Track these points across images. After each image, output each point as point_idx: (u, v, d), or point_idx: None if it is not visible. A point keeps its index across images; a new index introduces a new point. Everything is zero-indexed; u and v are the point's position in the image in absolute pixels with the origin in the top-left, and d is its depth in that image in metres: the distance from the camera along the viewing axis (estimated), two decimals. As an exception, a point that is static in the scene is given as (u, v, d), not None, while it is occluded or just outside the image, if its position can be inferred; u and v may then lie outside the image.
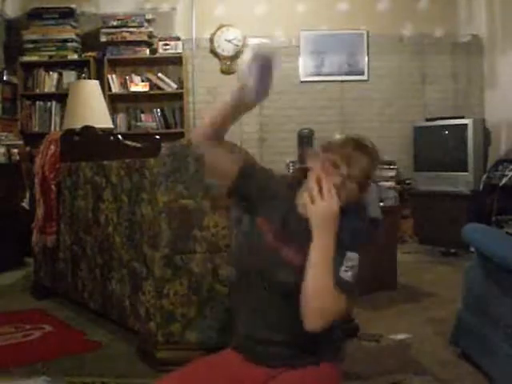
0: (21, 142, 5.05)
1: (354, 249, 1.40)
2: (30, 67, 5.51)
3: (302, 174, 1.50)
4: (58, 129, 5.26)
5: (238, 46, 5.76)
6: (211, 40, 5.76)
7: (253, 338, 1.49)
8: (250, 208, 1.53)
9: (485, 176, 5.01)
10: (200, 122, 5.72)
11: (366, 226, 1.54)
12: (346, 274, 1.37)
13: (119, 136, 3.22)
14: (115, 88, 5.55)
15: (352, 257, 1.39)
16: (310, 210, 1.37)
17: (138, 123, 5.67)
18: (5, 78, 5.27)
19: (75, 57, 5.49)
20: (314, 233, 1.36)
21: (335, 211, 1.36)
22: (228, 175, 1.52)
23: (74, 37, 5.47)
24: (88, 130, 3.41)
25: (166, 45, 5.56)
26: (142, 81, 5.61)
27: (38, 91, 5.52)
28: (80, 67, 5.53)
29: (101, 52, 5.53)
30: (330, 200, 1.36)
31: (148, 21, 5.59)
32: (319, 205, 1.36)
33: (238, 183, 1.52)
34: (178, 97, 5.63)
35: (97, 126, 3.65)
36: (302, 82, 5.84)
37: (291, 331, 1.44)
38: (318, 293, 1.34)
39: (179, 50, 5.58)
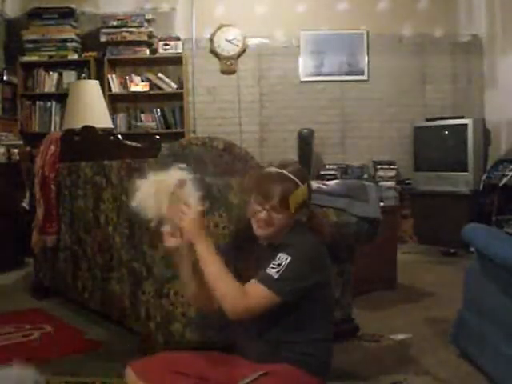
0: (21, 142, 5.05)
1: (284, 251, 1.57)
2: (30, 67, 5.51)
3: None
4: (57, 129, 5.26)
5: (237, 45, 5.76)
6: (211, 40, 5.76)
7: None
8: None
9: (485, 176, 5.02)
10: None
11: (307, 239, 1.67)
12: (271, 271, 1.54)
13: (119, 136, 3.22)
14: (115, 88, 5.55)
15: (281, 257, 1.56)
16: (183, 229, 1.53)
17: (138, 123, 5.67)
18: (5, 78, 5.27)
19: (75, 57, 5.49)
20: (196, 247, 1.54)
21: (192, 218, 1.52)
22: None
23: (73, 37, 5.47)
24: (88, 130, 3.41)
25: (166, 45, 5.56)
26: (142, 81, 5.61)
27: (38, 91, 5.52)
28: (80, 67, 5.53)
29: (101, 52, 5.53)
30: (187, 212, 1.52)
31: (148, 21, 5.59)
32: (183, 220, 1.52)
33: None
34: (178, 97, 5.63)
35: (97, 126, 3.65)
36: (302, 81, 5.85)
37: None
38: (219, 294, 1.53)
39: (179, 50, 5.58)
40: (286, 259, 1.55)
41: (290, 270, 1.54)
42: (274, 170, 1.67)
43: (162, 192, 1.53)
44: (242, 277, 1.67)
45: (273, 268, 1.54)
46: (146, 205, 1.54)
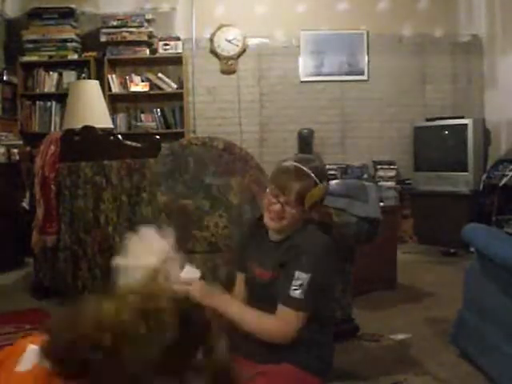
0: (21, 142, 5.05)
1: (302, 268, 1.58)
2: (30, 67, 5.51)
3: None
4: (57, 129, 5.26)
5: (237, 45, 5.76)
6: (211, 40, 5.76)
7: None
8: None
9: (485, 176, 5.02)
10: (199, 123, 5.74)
11: (321, 243, 1.67)
12: (295, 293, 1.57)
13: (119, 136, 3.22)
14: (115, 88, 5.55)
15: (300, 276, 1.57)
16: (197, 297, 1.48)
17: (138, 123, 5.67)
18: (5, 78, 5.27)
19: (75, 57, 5.49)
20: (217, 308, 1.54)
21: (198, 289, 1.49)
22: None
23: (73, 37, 5.47)
24: (88, 129, 3.41)
25: (166, 45, 5.56)
26: (142, 81, 5.61)
27: (38, 91, 5.52)
28: (80, 67, 5.53)
29: (101, 52, 5.53)
30: (191, 288, 1.47)
31: (148, 21, 5.59)
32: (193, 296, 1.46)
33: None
34: (178, 97, 5.63)
35: (97, 126, 3.65)
36: (302, 81, 5.84)
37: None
38: (262, 335, 1.59)
39: (179, 50, 5.58)
40: (306, 278, 1.57)
41: (312, 288, 1.58)
42: (295, 164, 1.67)
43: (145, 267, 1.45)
44: (246, 269, 1.74)
45: (296, 290, 1.57)
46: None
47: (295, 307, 1.56)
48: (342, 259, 2.56)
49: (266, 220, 1.68)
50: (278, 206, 1.64)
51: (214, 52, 5.79)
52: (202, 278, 1.56)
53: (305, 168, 1.65)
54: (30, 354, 1.15)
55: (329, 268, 1.66)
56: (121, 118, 5.67)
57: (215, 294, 1.57)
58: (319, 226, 1.74)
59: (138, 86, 5.58)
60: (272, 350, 1.61)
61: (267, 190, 1.69)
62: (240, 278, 1.82)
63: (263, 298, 1.67)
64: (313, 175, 1.65)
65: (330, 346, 1.74)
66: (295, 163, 1.67)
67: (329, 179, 1.76)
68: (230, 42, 5.76)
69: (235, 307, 1.60)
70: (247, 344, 1.66)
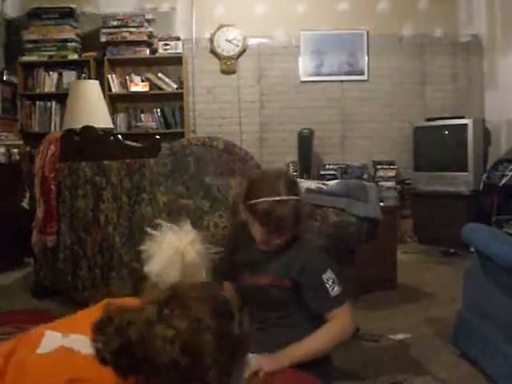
0: (21, 142, 5.05)
1: (322, 270, 1.61)
2: (30, 67, 5.51)
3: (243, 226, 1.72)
4: (58, 129, 5.26)
5: (238, 46, 5.76)
6: (211, 40, 5.76)
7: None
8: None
9: (485, 176, 5.01)
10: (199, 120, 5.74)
11: (320, 246, 1.74)
12: (334, 291, 1.62)
13: (119, 136, 3.22)
14: (115, 88, 5.55)
15: (327, 277, 1.62)
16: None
17: (138, 123, 5.67)
18: (5, 78, 5.27)
19: (75, 57, 5.49)
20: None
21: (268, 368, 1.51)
22: None
23: (73, 37, 5.47)
24: (88, 129, 3.41)
25: (166, 45, 5.56)
26: (142, 81, 5.61)
27: (38, 91, 5.52)
28: (80, 67, 5.53)
29: (101, 52, 5.53)
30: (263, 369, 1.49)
31: (148, 21, 5.59)
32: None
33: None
34: (178, 97, 5.63)
35: (97, 126, 3.65)
36: (302, 81, 5.84)
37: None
38: (331, 346, 1.65)
39: (179, 50, 5.58)
40: (331, 274, 1.62)
41: (339, 277, 1.64)
42: (276, 199, 1.59)
43: (176, 264, 1.48)
44: (235, 278, 1.74)
45: (333, 289, 1.62)
46: (164, 278, 1.46)
47: (343, 302, 1.63)
48: (341, 259, 2.56)
49: (260, 244, 1.67)
50: (279, 241, 1.64)
51: (214, 52, 5.79)
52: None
53: (284, 197, 1.60)
54: (49, 339, 1.14)
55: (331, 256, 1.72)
56: (121, 118, 5.67)
57: (280, 360, 1.55)
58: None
59: (138, 85, 5.58)
60: (275, 351, 1.61)
61: (255, 227, 1.63)
62: (227, 287, 1.81)
63: (261, 301, 1.68)
64: (291, 197, 1.60)
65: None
66: (274, 198, 1.59)
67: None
68: (230, 41, 5.76)
69: (299, 351, 1.59)
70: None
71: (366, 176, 5.63)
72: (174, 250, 1.49)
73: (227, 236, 1.97)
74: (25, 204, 4.44)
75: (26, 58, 5.45)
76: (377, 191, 2.80)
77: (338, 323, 1.61)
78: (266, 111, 5.84)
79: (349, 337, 1.65)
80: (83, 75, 5.48)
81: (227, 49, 5.77)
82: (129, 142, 3.10)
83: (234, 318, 1.07)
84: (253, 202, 1.61)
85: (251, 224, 1.66)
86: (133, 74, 5.64)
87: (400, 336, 2.69)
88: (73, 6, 5.50)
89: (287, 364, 1.53)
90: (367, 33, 5.80)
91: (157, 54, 5.59)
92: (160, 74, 5.65)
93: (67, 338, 1.12)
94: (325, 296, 1.61)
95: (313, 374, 1.62)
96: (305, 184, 2.81)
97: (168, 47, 5.56)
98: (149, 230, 1.52)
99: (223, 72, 5.82)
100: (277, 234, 1.63)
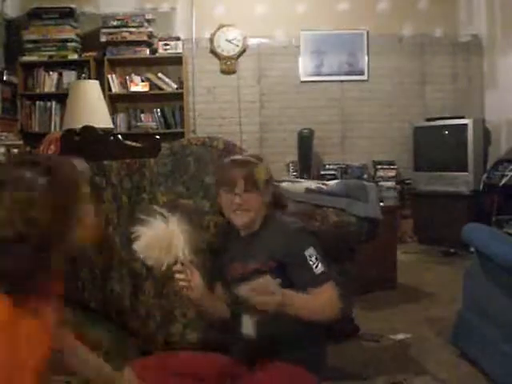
0: (21, 142, 5.04)
1: (304, 247, 1.63)
2: (30, 67, 5.51)
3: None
4: (58, 129, 5.26)
5: (238, 46, 5.76)
6: (211, 40, 5.76)
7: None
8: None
9: (485, 176, 5.01)
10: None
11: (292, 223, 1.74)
12: (318, 269, 1.61)
13: (119, 136, 3.22)
14: (115, 88, 5.55)
15: (309, 253, 1.62)
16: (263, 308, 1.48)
17: (138, 123, 5.67)
18: (5, 78, 5.27)
19: (75, 57, 5.49)
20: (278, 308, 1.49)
21: (277, 303, 1.47)
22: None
23: (73, 37, 5.47)
24: (88, 129, 3.41)
25: (166, 45, 5.56)
26: (142, 81, 5.61)
27: (38, 91, 5.52)
28: (80, 67, 5.53)
29: (101, 52, 5.53)
30: (268, 299, 1.46)
31: (148, 21, 5.59)
32: (266, 302, 1.47)
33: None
34: (178, 97, 5.63)
35: (97, 126, 3.65)
36: (302, 81, 5.84)
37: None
38: (319, 318, 1.59)
39: (179, 50, 5.58)
40: (313, 251, 1.63)
41: (322, 256, 1.64)
42: (230, 158, 1.78)
43: (162, 243, 1.58)
44: (226, 273, 1.77)
45: (316, 266, 1.61)
46: (148, 254, 1.60)
47: (327, 280, 1.61)
48: (341, 259, 2.56)
49: (235, 220, 1.72)
50: (237, 198, 1.68)
51: (214, 52, 5.79)
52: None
53: (240, 157, 1.78)
54: None
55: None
56: (121, 117, 5.67)
57: (281, 297, 1.50)
58: (275, 207, 1.80)
59: (138, 85, 5.58)
60: (267, 348, 1.62)
61: (221, 196, 1.75)
62: (219, 288, 1.83)
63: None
64: (251, 159, 1.74)
65: (323, 342, 1.76)
66: (231, 157, 1.78)
67: (266, 162, 1.81)
68: (230, 41, 5.76)
69: (299, 298, 1.56)
70: (240, 345, 1.68)
71: (366, 176, 5.63)
72: (160, 230, 1.58)
73: (216, 238, 2.01)
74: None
75: (26, 58, 5.45)
76: (377, 191, 2.79)
77: (325, 296, 1.60)
78: (266, 111, 5.84)
79: (335, 315, 1.59)
80: (83, 75, 5.48)
81: (227, 49, 5.77)
82: (129, 142, 3.10)
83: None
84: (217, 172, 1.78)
85: (220, 200, 1.76)
86: (133, 74, 5.64)
87: (400, 336, 2.69)
88: (73, 5, 5.50)
89: (282, 300, 1.47)
90: (367, 33, 5.80)
91: (157, 54, 5.59)
92: (160, 74, 5.65)
93: None
94: (309, 273, 1.61)
95: (308, 370, 1.62)
96: (305, 184, 2.81)
97: (168, 47, 5.56)
98: (141, 215, 1.61)
99: (223, 72, 5.82)
100: (234, 191, 1.68)
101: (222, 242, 1.87)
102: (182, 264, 1.59)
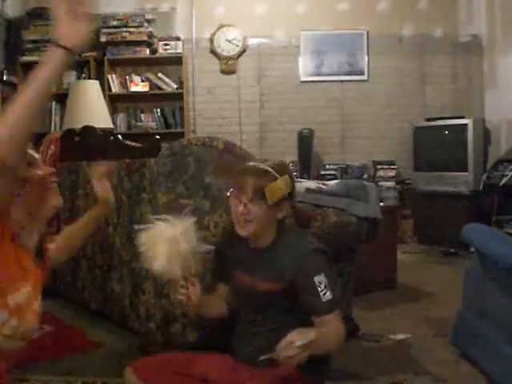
0: (21, 142, 5.03)
1: (315, 272, 1.58)
2: (30, 67, 5.50)
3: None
4: (57, 129, 5.26)
5: (238, 46, 5.77)
6: (211, 40, 5.76)
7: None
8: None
9: (485, 176, 5.01)
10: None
11: (309, 243, 1.67)
12: (326, 297, 1.56)
13: (119, 136, 3.21)
14: (115, 88, 5.55)
15: (319, 280, 1.57)
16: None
17: (138, 123, 5.67)
18: (5, 78, 5.27)
19: (75, 57, 5.48)
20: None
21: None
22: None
23: (74, 37, 5.46)
24: (88, 130, 3.40)
25: (166, 45, 5.56)
26: (142, 81, 5.61)
27: (37, 91, 5.51)
28: (80, 67, 5.53)
29: (101, 52, 5.53)
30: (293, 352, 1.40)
31: (148, 21, 5.59)
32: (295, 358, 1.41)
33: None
34: (178, 97, 5.63)
35: (97, 126, 3.64)
36: (302, 81, 5.85)
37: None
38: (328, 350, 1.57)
39: (179, 50, 5.58)
40: (323, 278, 1.58)
41: (331, 282, 1.60)
42: (249, 163, 1.70)
43: (173, 247, 1.56)
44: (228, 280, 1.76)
45: (324, 294, 1.56)
46: (166, 267, 1.57)
47: (333, 310, 1.57)
48: (341, 259, 2.56)
49: (237, 229, 1.66)
50: (241, 207, 1.62)
51: (214, 52, 5.79)
52: None
53: (259, 164, 1.67)
54: None
55: (329, 260, 1.68)
56: (121, 118, 5.67)
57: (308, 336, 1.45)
58: (297, 225, 1.75)
59: (138, 85, 5.58)
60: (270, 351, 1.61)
61: (230, 198, 1.68)
62: (222, 288, 1.82)
63: (260, 306, 1.67)
64: (269, 170, 1.63)
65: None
66: (251, 163, 1.71)
67: (292, 176, 1.73)
68: (230, 41, 5.76)
69: (318, 332, 1.49)
70: (243, 348, 1.68)
71: (366, 176, 5.63)
72: (168, 240, 1.55)
73: (220, 237, 1.99)
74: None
75: (26, 58, 5.45)
76: (377, 191, 2.80)
77: (332, 329, 1.56)
78: (266, 111, 5.84)
79: (340, 345, 1.58)
80: (83, 75, 5.48)
81: (227, 49, 5.77)
82: (129, 142, 3.09)
83: None
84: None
85: (231, 206, 1.69)
86: (133, 74, 5.64)
87: (400, 336, 2.69)
88: (73, 6, 5.49)
89: (314, 336, 1.42)
90: (367, 33, 5.80)
91: (157, 54, 5.59)
92: (160, 74, 5.65)
93: None
94: (316, 300, 1.57)
95: (310, 374, 1.61)
96: (305, 184, 2.81)
97: (168, 47, 5.56)
98: (141, 225, 1.58)
99: (223, 72, 5.82)
100: (240, 198, 1.62)
101: (227, 243, 1.83)
102: (186, 278, 1.59)
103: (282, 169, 1.67)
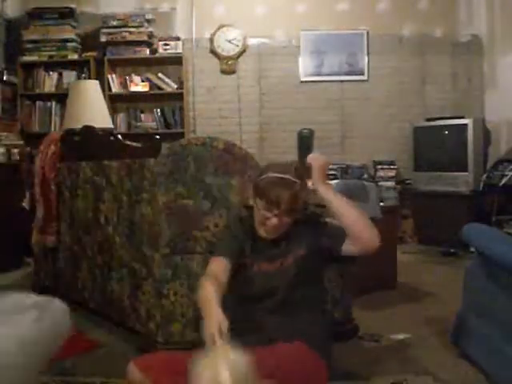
0: (21, 142, 5.04)
1: (322, 218, 1.80)
2: (29, 67, 5.51)
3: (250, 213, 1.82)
4: (57, 129, 5.26)
5: (238, 45, 5.77)
6: (211, 40, 5.76)
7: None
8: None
9: (485, 176, 5.01)
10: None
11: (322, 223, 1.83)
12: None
13: (119, 136, 3.22)
14: (115, 88, 5.55)
15: (329, 224, 1.79)
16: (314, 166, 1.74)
17: (138, 123, 5.67)
18: (5, 78, 5.27)
19: (75, 57, 5.49)
20: (320, 188, 1.72)
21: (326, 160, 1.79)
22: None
23: (73, 37, 5.47)
24: (88, 129, 3.41)
25: (166, 45, 5.56)
26: (142, 81, 5.61)
27: (37, 91, 5.52)
28: (80, 67, 5.53)
29: (101, 52, 5.53)
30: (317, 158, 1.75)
31: (148, 21, 5.59)
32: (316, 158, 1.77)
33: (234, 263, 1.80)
34: (178, 97, 5.63)
35: (97, 126, 3.65)
36: (301, 81, 5.84)
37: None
38: (364, 222, 1.71)
39: (179, 50, 5.58)
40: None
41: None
42: (279, 176, 1.74)
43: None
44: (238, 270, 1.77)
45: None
46: None
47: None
48: (341, 259, 2.56)
49: (262, 233, 1.75)
50: (275, 220, 1.70)
51: (214, 52, 5.79)
52: None
53: (287, 176, 1.75)
54: None
55: None
56: (121, 118, 5.67)
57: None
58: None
59: (138, 86, 5.58)
60: (287, 326, 1.68)
61: (257, 205, 1.74)
62: (225, 264, 1.76)
63: (277, 286, 1.73)
64: (295, 180, 1.75)
65: (331, 329, 1.85)
66: (278, 174, 1.75)
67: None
68: (230, 41, 5.76)
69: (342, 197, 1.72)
70: (252, 337, 1.67)
71: (366, 176, 5.63)
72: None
73: (231, 225, 1.95)
74: (25, 204, 4.44)
75: (26, 58, 5.45)
76: (377, 191, 2.80)
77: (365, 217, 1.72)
78: (266, 111, 5.84)
79: (374, 241, 1.72)
80: (83, 75, 5.48)
81: (227, 49, 5.77)
82: (129, 142, 3.10)
83: None
84: (261, 177, 1.76)
85: (254, 206, 1.75)
86: (133, 74, 5.64)
87: (400, 336, 2.69)
88: (73, 5, 5.50)
89: (328, 189, 1.71)
90: (367, 33, 5.80)
91: (157, 54, 5.59)
92: (160, 74, 5.65)
93: None
94: (338, 228, 1.72)
95: (319, 355, 1.65)
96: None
97: (168, 47, 5.56)
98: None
99: (223, 72, 5.82)
100: (273, 211, 1.70)
101: (244, 232, 1.84)
102: None
103: (301, 175, 1.79)
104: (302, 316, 1.73)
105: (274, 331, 1.68)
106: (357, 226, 1.67)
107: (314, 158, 1.76)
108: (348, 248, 1.70)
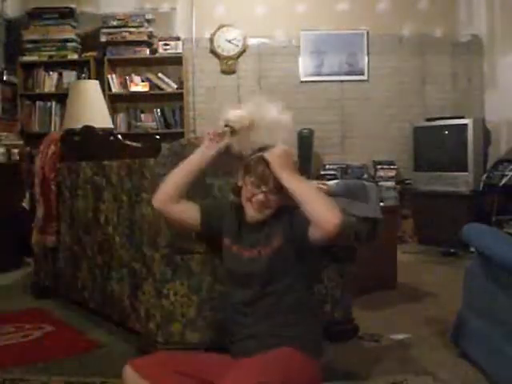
0: (21, 142, 5.04)
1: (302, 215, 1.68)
2: (29, 67, 5.51)
3: (238, 192, 1.83)
4: (57, 129, 5.26)
5: (238, 45, 5.77)
6: (211, 40, 5.76)
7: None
8: (218, 233, 1.88)
9: (485, 176, 5.02)
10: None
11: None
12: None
13: (119, 136, 3.22)
14: (115, 88, 5.55)
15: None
16: (270, 159, 1.70)
17: (138, 123, 5.67)
18: (5, 78, 5.27)
19: (75, 57, 5.49)
20: (283, 178, 1.67)
21: (285, 149, 1.73)
22: (193, 226, 1.91)
23: (73, 37, 5.47)
24: (88, 129, 3.41)
25: (166, 45, 5.56)
26: (142, 81, 5.61)
27: (38, 91, 5.52)
28: (80, 67, 5.53)
29: (101, 52, 5.53)
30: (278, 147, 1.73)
31: (148, 21, 5.59)
32: (272, 151, 1.72)
33: (205, 222, 1.88)
34: (178, 97, 5.63)
35: (97, 126, 3.65)
36: (301, 81, 5.85)
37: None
38: (322, 205, 1.63)
39: (179, 50, 5.58)
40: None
41: None
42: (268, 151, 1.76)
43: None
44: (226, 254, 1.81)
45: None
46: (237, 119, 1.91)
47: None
48: (341, 259, 2.56)
49: (250, 212, 1.74)
50: (261, 196, 1.71)
51: (214, 52, 5.79)
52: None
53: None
54: None
55: None
56: (121, 118, 5.67)
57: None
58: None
59: (138, 86, 5.58)
60: (273, 333, 1.65)
61: (245, 183, 1.76)
62: (196, 208, 1.88)
63: (251, 273, 1.72)
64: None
65: (320, 327, 1.81)
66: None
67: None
68: (230, 41, 5.76)
69: (304, 181, 1.74)
70: (245, 341, 1.69)
71: (366, 176, 5.63)
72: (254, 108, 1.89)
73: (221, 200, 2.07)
74: (25, 204, 4.44)
75: (26, 58, 5.45)
76: (377, 191, 2.80)
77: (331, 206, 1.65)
78: (266, 111, 5.83)
79: (335, 224, 1.57)
80: (83, 75, 5.48)
81: (227, 49, 5.77)
82: (129, 142, 3.10)
83: None
84: (251, 157, 1.79)
85: (243, 186, 1.77)
86: (133, 74, 5.64)
87: (400, 336, 2.69)
88: (73, 5, 5.50)
89: (290, 176, 1.67)
90: (367, 33, 5.81)
91: (157, 54, 5.59)
92: (160, 74, 5.65)
93: None
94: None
95: (309, 355, 1.64)
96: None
97: (168, 47, 5.56)
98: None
99: (223, 72, 5.82)
100: (261, 187, 1.71)
101: (228, 211, 1.88)
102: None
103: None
104: (284, 315, 1.68)
105: (261, 336, 1.66)
106: (315, 211, 1.60)
107: (270, 153, 1.72)
108: (313, 235, 1.63)
